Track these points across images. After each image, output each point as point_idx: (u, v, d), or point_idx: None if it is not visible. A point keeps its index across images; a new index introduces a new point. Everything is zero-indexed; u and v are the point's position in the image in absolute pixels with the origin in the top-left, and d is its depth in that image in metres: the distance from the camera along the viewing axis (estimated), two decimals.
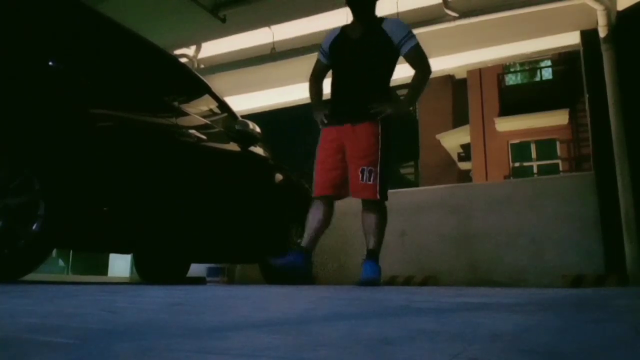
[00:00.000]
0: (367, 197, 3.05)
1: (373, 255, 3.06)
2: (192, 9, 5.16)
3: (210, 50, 6.23)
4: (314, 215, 3.17)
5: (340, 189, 3.15)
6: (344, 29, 3.26)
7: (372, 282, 2.95)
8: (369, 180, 3.00)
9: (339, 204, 3.31)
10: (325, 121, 3.18)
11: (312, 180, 3.26)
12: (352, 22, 3.24)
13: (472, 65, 6.59)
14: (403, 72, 3.30)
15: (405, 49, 3.10)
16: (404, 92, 3.43)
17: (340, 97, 3.19)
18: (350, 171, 3.08)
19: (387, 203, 3.12)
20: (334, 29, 3.32)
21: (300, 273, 3.09)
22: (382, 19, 3.17)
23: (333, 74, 3.28)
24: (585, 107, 5.42)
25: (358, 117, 3.06)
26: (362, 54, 3.12)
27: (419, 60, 3.15)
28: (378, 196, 3.02)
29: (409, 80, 3.25)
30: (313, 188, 3.22)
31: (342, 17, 3.44)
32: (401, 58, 3.19)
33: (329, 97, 3.31)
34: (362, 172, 3.01)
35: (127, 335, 0.80)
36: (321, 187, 3.17)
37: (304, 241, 3.15)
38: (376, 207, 3.09)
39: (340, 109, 3.15)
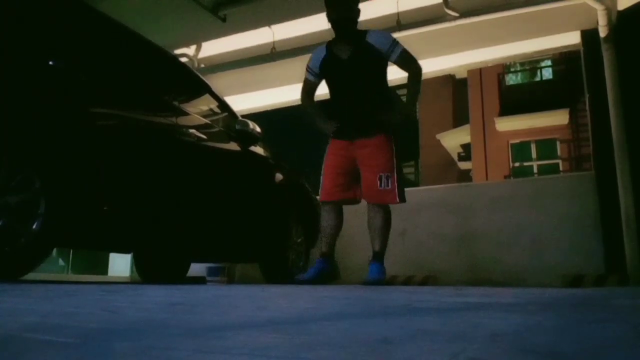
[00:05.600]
0: (388, 202, 3.22)
1: (379, 257, 3.23)
2: (193, 8, 5.16)
3: (211, 50, 6.22)
4: (327, 222, 3.32)
5: (347, 194, 3.29)
6: (330, 47, 3.32)
7: (377, 282, 3.12)
8: (388, 186, 3.16)
9: None
10: (333, 130, 3.28)
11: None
12: (337, 40, 3.30)
13: (473, 64, 6.58)
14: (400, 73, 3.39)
15: (394, 56, 3.22)
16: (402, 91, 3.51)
17: (346, 115, 3.28)
18: (365, 179, 3.21)
19: (391, 205, 3.26)
20: (319, 49, 3.38)
21: (329, 278, 3.28)
22: (365, 32, 3.25)
23: (331, 93, 3.37)
24: (586, 106, 5.41)
25: (369, 132, 3.20)
26: (357, 71, 3.23)
27: (409, 64, 3.28)
28: (398, 199, 3.18)
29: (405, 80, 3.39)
30: (320, 192, 3.34)
31: None
32: None
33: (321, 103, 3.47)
34: (380, 179, 3.16)
35: (127, 334, 0.80)
36: (329, 192, 3.29)
37: (323, 247, 3.33)
38: (383, 210, 3.24)
39: (349, 125, 3.25)
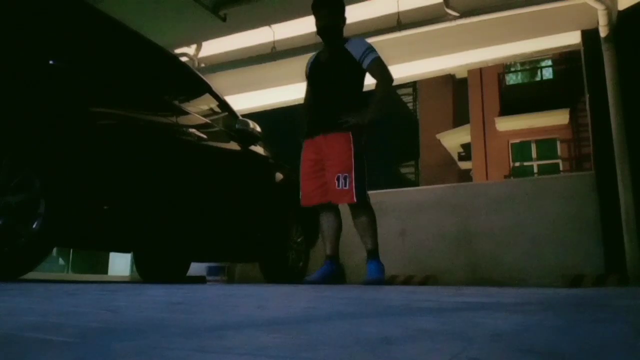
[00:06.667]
0: (346, 202, 3.24)
1: (374, 254, 3.26)
2: (193, 7, 5.16)
3: (211, 49, 6.23)
4: (327, 225, 3.38)
5: (325, 197, 3.33)
6: (318, 54, 3.55)
7: (377, 282, 3.15)
8: (345, 186, 3.18)
9: None
10: (303, 136, 3.43)
11: None
12: (324, 48, 3.52)
13: (473, 64, 6.58)
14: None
15: (365, 63, 3.31)
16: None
17: (314, 113, 3.45)
18: (327, 179, 3.28)
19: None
20: (312, 56, 3.60)
21: (335, 279, 3.31)
22: (346, 40, 3.42)
23: (312, 96, 3.54)
24: (586, 106, 5.41)
25: (328, 129, 3.28)
26: (329, 73, 3.39)
27: (378, 72, 3.35)
28: (355, 199, 3.18)
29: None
30: (300, 198, 3.44)
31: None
32: None
33: None
34: (338, 179, 3.20)
35: (127, 334, 0.80)
36: (306, 196, 3.40)
37: (327, 250, 3.38)
38: (362, 209, 3.27)
39: (314, 123, 3.40)
